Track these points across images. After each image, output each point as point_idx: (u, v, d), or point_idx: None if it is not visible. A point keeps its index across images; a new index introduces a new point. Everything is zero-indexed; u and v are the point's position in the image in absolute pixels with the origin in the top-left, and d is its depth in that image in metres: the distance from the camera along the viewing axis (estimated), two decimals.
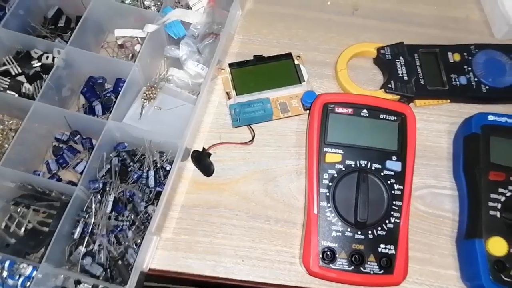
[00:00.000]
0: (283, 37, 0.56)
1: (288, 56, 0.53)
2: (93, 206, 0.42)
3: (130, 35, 0.49)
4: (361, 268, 0.41)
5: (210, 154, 0.48)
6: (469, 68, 0.52)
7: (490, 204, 0.43)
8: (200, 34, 0.49)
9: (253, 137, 0.49)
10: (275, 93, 0.51)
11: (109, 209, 0.42)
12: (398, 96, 0.51)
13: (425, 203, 0.48)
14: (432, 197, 0.48)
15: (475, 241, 0.42)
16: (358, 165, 0.44)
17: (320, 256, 0.41)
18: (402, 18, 0.58)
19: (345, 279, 0.41)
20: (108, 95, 0.49)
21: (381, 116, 0.46)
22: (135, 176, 0.44)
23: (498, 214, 0.43)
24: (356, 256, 0.41)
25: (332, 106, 0.46)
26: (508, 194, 0.44)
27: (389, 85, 0.51)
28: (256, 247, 0.45)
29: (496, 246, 0.42)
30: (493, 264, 0.41)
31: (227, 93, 0.51)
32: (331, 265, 0.41)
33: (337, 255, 0.41)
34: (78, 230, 0.41)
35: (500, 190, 0.44)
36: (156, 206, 0.41)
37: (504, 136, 0.46)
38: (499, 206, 0.43)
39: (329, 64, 0.54)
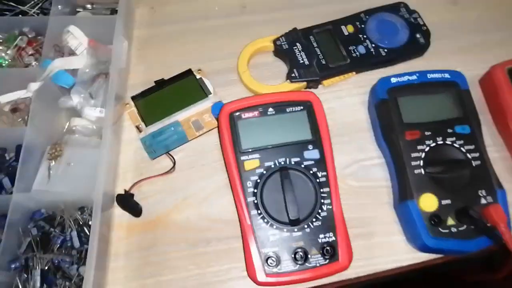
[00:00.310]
0: (179, 55, 0.54)
1: (189, 72, 0.52)
2: (20, 286, 0.39)
3: (16, 98, 0.47)
4: (307, 264, 0.41)
5: (133, 195, 0.46)
6: (365, 36, 0.52)
7: (413, 163, 0.44)
8: (89, 78, 0.47)
9: (174, 164, 0.48)
10: (185, 113, 0.50)
11: (38, 284, 0.40)
12: (305, 83, 0.51)
13: (357, 178, 0.48)
14: (363, 171, 0.49)
15: (408, 202, 0.43)
16: (277, 164, 0.43)
17: (264, 264, 0.41)
18: (290, 4, 0.58)
19: (294, 279, 0.41)
20: (12, 165, 0.46)
21: (287, 110, 0.45)
22: (59, 241, 0.42)
23: (422, 171, 0.44)
24: (300, 253, 0.41)
25: (238, 113, 0.45)
26: (427, 149, 0.45)
27: (293, 74, 0.51)
28: (204, 272, 0.44)
29: (427, 202, 0.43)
30: (429, 220, 0.42)
31: (137, 127, 0.50)
32: (277, 270, 0.41)
33: (280, 258, 0.41)
34: None
35: (419, 147, 0.45)
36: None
37: (410, 94, 0.47)
38: (421, 163, 0.44)
39: (232, 69, 0.53)
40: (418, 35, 0.53)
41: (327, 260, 0.41)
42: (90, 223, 0.43)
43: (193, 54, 0.54)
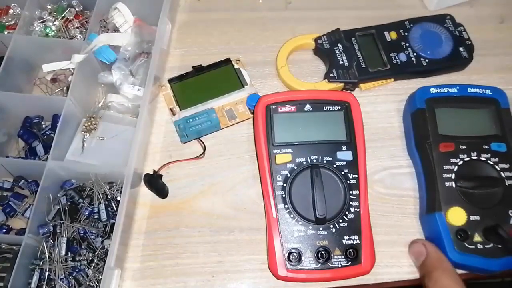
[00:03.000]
0: (220, 43, 0.55)
1: (227, 61, 0.52)
2: (46, 251, 0.40)
3: (59, 68, 0.47)
4: (329, 264, 0.41)
5: (161, 176, 0.47)
6: (407, 44, 0.52)
7: (444, 175, 0.44)
8: (131, 56, 0.48)
9: (204, 150, 0.48)
10: (220, 101, 0.50)
11: (63, 251, 0.40)
12: (343, 84, 0.51)
13: (385, 186, 0.48)
14: (391, 178, 0.48)
15: (435, 214, 0.43)
16: (309, 161, 0.43)
17: (286, 259, 0.41)
18: (335, 4, 0.58)
19: (314, 277, 0.41)
20: (47, 133, 0.47)
21: (324, 108, 0.45)
22: (86, 212, 0.43)
23: (453, 184, 0.43)
24: (322, 252, 0.41)
25: (275, 106, 0.45)
26: (460, 162, 0.44)
27: (331, 74, 0.50)
28: (224, 260, 0.45)
29: (456, 216, 0.42)
30: (455, 234, 0.42)
31: (171, 110, 0.50)
32: (298, 266, 0.41)
33: (302, 255, 0.41)
34: (35, 279, 0.40)
35: (452, 160, 0.44)
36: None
37: (448, 106, 0.47)
38: (453, 176, 0.44)
39: (270, 63, 0.53)
40: (461, 49, 0.52)
41: (350, 262, 0.41)
42: (117, 198, 0.44)
43: (232, 43, 0.55)
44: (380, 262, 0.44)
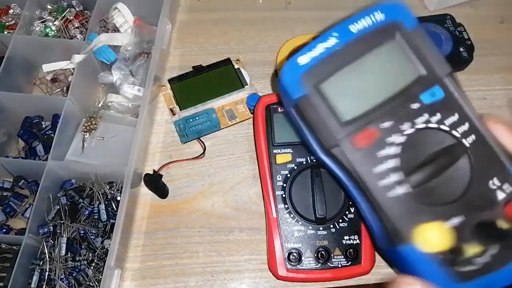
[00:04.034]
0: (220, 43, 0.55)
1: (227, 61, 0.52)
2: (46, 251, 0.40)
3: (59, 68, 0.47)
4: (329, 264, 0.41)
5: (161, 176, 0.47)
6: None
7: (381, 183, 0.27)
8: (131, 56, 0.48)
9: (204, 150, 0.48)
10: (220, 101, 0.50)
11: (63, 251, 0.40)
12: None
13: None
14: None
15: (401, 249, 0.26)
16: (309, 161, 0.43)
17: (286, 259, 0.41)
18: (335, 4, 0.58)
19: (314, 277, 0.41)
20: (47, 133, 0.47)
21: None
22: (86, 212, 0.43)
23: (401, 189, 0.26)
24: (322, 252, 0.41)
25: (275, 106, 0.45)
26: (395, 150, 0.27)
27: None
28: (224, 260, 0.45)
29: (432, 236, 0.26)
30: (443, 263, 0.25)
31: (171, 110, 0.50)
32: (298, 266, 0.41)
33: (302, 255, 0.41)
34: (35, 279, 0.40)
35: (382, 153, 0.27)
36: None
37: (335, 71, 0.28)
38: (394, 177, 0.27)
39: (270, 63, 0.53)
40: (461, 49, 0.52)
41: (349, 262, 0.41)
42: (117, 198, 0.44)
43: (232, 43, 0.55)
44: (380, 262, 0.44)
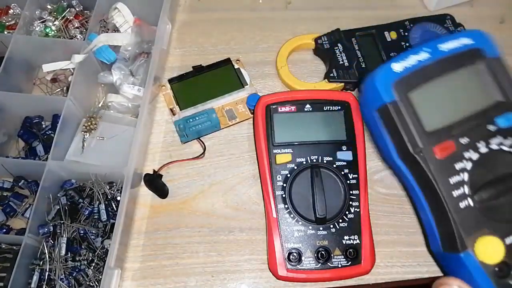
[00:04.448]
0: (220, 43, 0.55)
1: (227, 61, 0.52)
2: (46, 251, 0.40)
3: (59, 68, 0.47)
4: (329, 264, 0.41)
5: (161, 176, 0.47)
6: (407, 44, 0.52)
7: (455, 193, 0.30)
8: (131, 56, 0.48)
9: (204, 150, 0.48)
10: (220, 101, 0.50)
11: (63, 251, 0.40)
12: (343, 84, 0.51)
13: (385, 186, 0.48)
14: (391, 178, 0.48)
15: (460, 255, 0.30)
16: (309, 161, 0.43)
17: (286, 259, 0.41)
18: (335, 4, 0.57)
19: (314, 277, 0.41)
20: (47, 133, 0.47)
21: (324, 108, 0.45)
22: (86, 212, 0.43)
23: (471, 202, 0.30)
24: (322, 252, 0.41)
25: (275, 106, 0.45)
26: (469, 166, 0.30)
27: (331, 74, 0.50)
28: (224, 260, 0.44)
29: (489, 248, 0.29)
30: (494, 274, 0.29)
31: (171, 110, 0.50)
32: (298, 266, 0.41)
33: (302, 255, 0.41)
34: (35, 279, 0.40)
35: (458, 165, 0.30)
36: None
37: (425, 84, 0.31)
38: (466, 190, 0.30)
39: (270, 63, 0.53)
40: None
41: (350, 262, 0.41)
42: (117, 198, 0.44)
43: (232, 43, 0.55)
44: (380, 262, 0.44)
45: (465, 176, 0.30)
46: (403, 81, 0.31)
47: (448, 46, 0.32)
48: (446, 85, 0.31)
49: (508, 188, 0.30)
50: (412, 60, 0.31)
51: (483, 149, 0.31)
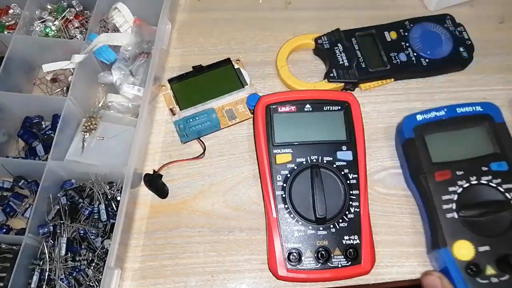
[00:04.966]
0: (220, 43, 0.55)
1: (227, 61, 0.52)
2: (46, 251, 0.40)
3: (59, 68, 0.47)
4: (329, 264, 0.41)
5: (161, 176, 0.47)
6: (407, 44, 0.52)
7: (444, 206, 0.41)
8: (131, 56, 0.48)
9: (204, 150, 0.48)
10: (220, 101, 0.50)
11: (63, 251, 0.40)
12: (342, 84, 0.51)
13: (385, 186, 0.48)
14: (391, 178, 0.48)
15: (441, 250, 0.40)
16: (309, 161, 0.43)
17: (286, 259, 0.41)
18: (335, 4, 0.58)
19: (314, 277, 0.41)
20: (47, 133, 0.47)
21: (325, 108, 0.45)
22: (86, 212, 0.43)
23: (456, 215, 0.41)
24: (322, 252, 0.41)
25: (275, 106, 0.45)
26: (459, 190, 0.41)
27: (331, 74, 0.50)
28: (224, 260, 0.45)
29: (462, 249, 0.39)
30: (465, 270, 0.39)
31: (171, 110, 0.50)
32: (298, 266, 0.41)
33: (303, 255, 0.41)
34: (35, 279, 0.40)
35: (450, 188, 0.42)
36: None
37: (439, 131, 0.44)
38: (453, 206, 0.41)
39: (270, 63, 0.53)
40: (461, 49, 0.52)
41: (349, 262, 0.41)
42: (117, 198, 0.44)
43: (232, 43, 0.55)
44: (380, 262, 0.44)
45: (455, 197, 0.41)
46: (422, 127, 0.44)
47: (462, 109, 0.45)
48: (455, 137, 0.44)
49: (485, 212, 0.40)
50: (432, 114, 0.45)
51: (473, 181, 0.42)
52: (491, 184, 0.41)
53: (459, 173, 0.42)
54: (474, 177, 0.42)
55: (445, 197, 0.41)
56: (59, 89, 0.50)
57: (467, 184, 0.41)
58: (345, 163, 0.43)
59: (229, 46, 0.54)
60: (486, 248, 0.39)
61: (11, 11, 0.51)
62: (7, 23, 0.51)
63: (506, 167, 0.42)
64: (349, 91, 0.51)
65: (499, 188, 0.41)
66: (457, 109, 0.45)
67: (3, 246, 0.42)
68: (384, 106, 0.52)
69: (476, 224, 0.40)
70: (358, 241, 0.41)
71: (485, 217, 0.40)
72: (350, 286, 0.43)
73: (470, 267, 0.39)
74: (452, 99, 0.51)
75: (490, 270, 0.39)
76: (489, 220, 0.40)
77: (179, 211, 0.46)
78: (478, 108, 0.45)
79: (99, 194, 0.43)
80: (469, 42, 0.52)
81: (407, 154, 0.45)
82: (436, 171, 0.42)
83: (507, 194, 0.41)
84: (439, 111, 0.44)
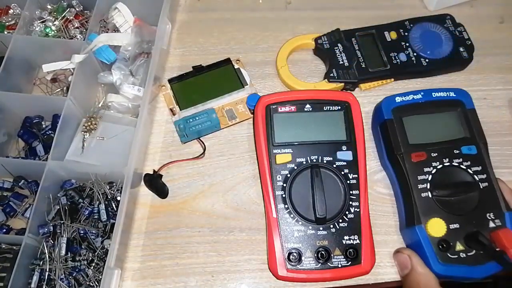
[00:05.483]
0: (220, 43, 0.55)
1: (227, 61, 0.52)
2: (46, 251, 0.40)
3: (59, 68, 0.47)
4: (329, 264, 0.41)
5: (161, 176, 0.47)
6: (407, 44, 0.52)
7: (420, 186, 0.43)
8: (131, 56, 0.48)
9: (204, 150, 0.48)
10: (220, 101, 0.50)
11: (63, 251, 0.40)
12: (342, 84, 0.51)
13: (385, 186, 0.48)
14: None
15: (415, 227, 0.42)
16: (309, 161, 0.43)
17: (286, 259, 0.41)
18: (335, 4, 0.58)
19: (314, 277, 0.41)
20: (47, 133, 0.47)
21: (325, 108, 0.45)
22: (86, 212, 0.43)
23: (429, 194, 0.42)
24: (322, 252, 0.41)
25: (275, 106, 0.45)
26: (433, 171, 0.43)
27: (331, 74, 0.50)
28: (224, 260, 0.45)
29: (435, 227, 0.41)
30: (437, 246, 0.41)
31: (171, 110, 0.50)
32: (298, 266, 0.41)
33: (303, 255, 0.41)
34: (35, 279, 0.40)
35: (425, 169, 0.43)
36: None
37: (415, 114, 0.45)
38: (428, 186, 0.42)
39: (270, 63, 0.53)
40: (461, 49, 0.52)
41: (350, 262, 0.41)
42: (117, 198, 0.44)
43: (232, 43, 0.55)
44: (380, 262, 0.44)
45: (429, 177, 0.43)
46: (400, 109, 0.46)
47: (437, 94, 0.46)
48: (429, 119, 0.46)
49: (457, 191, 0.42)
50: (410, 97, 0.46)
51: (446, 163, 0.44)
52: (461, 166, 0.43)
53: (434, 154, 0.44)
54: (447, 159, 0.43)
55: (420, 177, 0.43)
56: (59, 89, 0.50)
57: (440, 166, 0.43)
58: (345, 163, 0.43)
59: (229, 46, 0.54)
60: (456, 225, 0.41)
61: (11, 11, 0.52)
62: (7, 23, 0.51)
63: (475, 151, 0.44)
64: (349, 91, 0.51)
65: (468, 170, 0.43)
66: (433, 93, 0.46)
67: (3, 246, 0.42)
68: None
69: (448, 203, 0.42)
70: (358, 241, 0.41)
71: (456, 197, 0.42)
72: (350, 286, 0.43)
73: (441, 243, 0.41)
74: None
75: (459, 246, 0.41)
76: (459, 200, 0.42)
77: (179, 211, 0.46)
78: (452, 94, 0.46)
79: (99, 194, 0.43)
80: (469, 42, 0.52)
81: (385, 135, 0.46)
82: (413, 152, 0.44)
83: (475, 176, 0.43)
84: (416, 94, 0.46)
